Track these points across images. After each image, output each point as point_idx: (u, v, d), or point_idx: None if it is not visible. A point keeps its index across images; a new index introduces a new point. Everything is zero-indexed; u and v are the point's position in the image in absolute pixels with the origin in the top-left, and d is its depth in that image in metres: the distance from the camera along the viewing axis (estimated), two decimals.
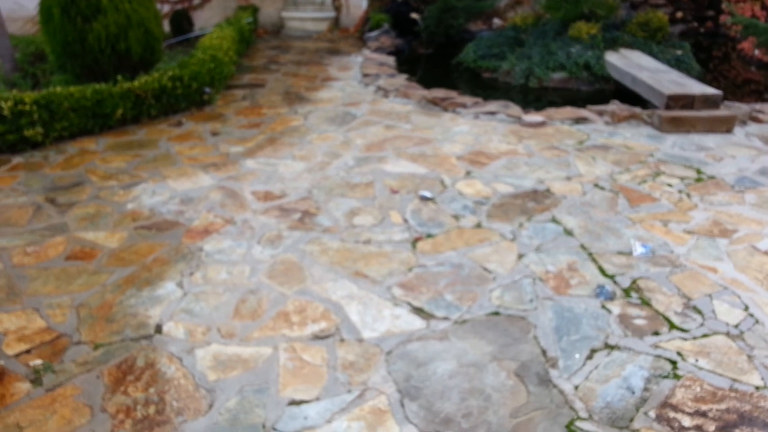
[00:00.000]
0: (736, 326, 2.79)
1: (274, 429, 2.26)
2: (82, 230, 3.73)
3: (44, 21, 5.60)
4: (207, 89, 5.97)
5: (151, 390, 2.47)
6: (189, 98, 5.86)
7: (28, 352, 2.68)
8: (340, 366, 2.57)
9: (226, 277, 3.21)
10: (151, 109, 5.59)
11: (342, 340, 2.73)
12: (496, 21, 9.78)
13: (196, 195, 4.16)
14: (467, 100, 6.12)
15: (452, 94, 6.31)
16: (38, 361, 2.62)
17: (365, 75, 7.23)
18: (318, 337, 2.74)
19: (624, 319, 2.85)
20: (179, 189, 4.25)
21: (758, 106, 5.84)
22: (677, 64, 7.12)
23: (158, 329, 2.82)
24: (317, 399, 2.39)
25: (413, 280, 3.19)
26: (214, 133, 5.34)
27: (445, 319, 2.87)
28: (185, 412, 2.34)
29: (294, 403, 2.38)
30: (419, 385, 2.45)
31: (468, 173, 4.50)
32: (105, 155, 4.90)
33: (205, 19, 9.65)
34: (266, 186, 4.30)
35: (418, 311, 2.93)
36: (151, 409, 2.36)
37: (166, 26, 9.02)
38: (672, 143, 5.09)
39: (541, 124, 5.50)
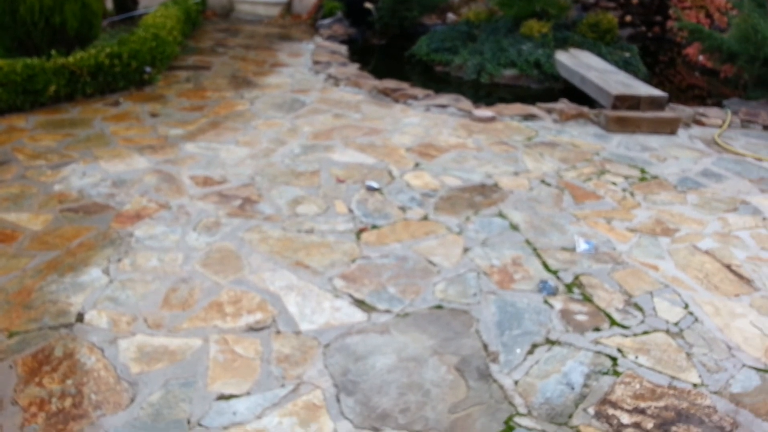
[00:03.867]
0: (676, 324, 2.80)
1: (199, 425, 2.12)
2: (4, 211, 3.48)
3: None
4: (148, 69, 5.70)
5: (69, 382, 2.29)
6: (128, 77, 5.58)
7: None
8: (275, 359, 2.44)
9: (156, 264, 3.03)
10: (87, 86, 5.30)
11: (278, 332, 2.60)
12: (450, 15, 9.74)
13: (129, 178, 3.94)
14: (419, 92, 6.04)
15: (404, 85, 6.22)
16: None
17: (316, 62, 7.07)
18: (252, 329, 2.61)
19: (566, 315, 2.82)
20: (111, 171, 4.03)
21: (701, 109, 5.97)
22: (625, 66, 7.22)
23: (80, 318, 2.64)
24: (248, 393, 2.26)
25: (356, 271, 3.08)
26: (153, 115, 5.10)
27: (387, 312, 2.78)
28: (104, 406, 2.18)
29: (223, 397, 2.24)
30: (357, 380, 2.35)
31: (417, 165, 4.42)
32: (34, 133, 4.61)
33: None
34: (206, 171, 4.12)
35: (360, 303, 2.83)
36: (67, 402, 2.19)
37: (110, 3, 8.65)
38: (617, 143, 5.13)
39: (491, 120, 5.48)
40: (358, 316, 2.74)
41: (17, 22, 5.19)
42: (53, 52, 5.20)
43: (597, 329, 2.73)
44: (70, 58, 5.16)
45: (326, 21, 9.04)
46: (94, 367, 2.37)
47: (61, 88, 5.15)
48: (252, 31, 8.80)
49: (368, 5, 9.01)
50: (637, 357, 2.56)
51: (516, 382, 2.39)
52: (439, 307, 2.83)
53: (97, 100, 5.40)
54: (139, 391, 2.26)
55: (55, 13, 5.27)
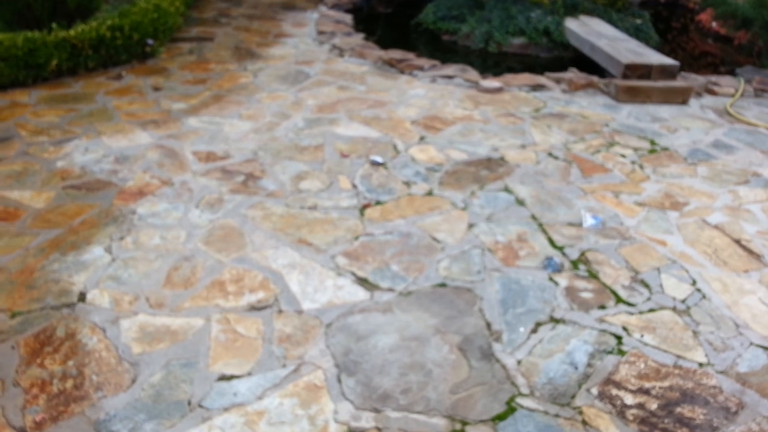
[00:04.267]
0: (683, 301, 2.76)
1: (200, 406, 2.12)
2: (7, 189, 3.47)
3: None
4: (150, 41, 5.62)
5: (70, 363, 2.30)
6: (130, 50, 5.51)
7: None
8: (276, 339, 2.43)
9: (159, 242, 3.02)
10: (89, 60, 5.23)
11: (280, 311, 2.59)
12: None
13: (132, 153, 3.91)
14: (424, 62, 5.94)
15: (410, 55, 6.11)
16: None
17: (320, 32, 6.95)
18: (254, 308, 2.60)
19: (570, 292, 2.78)
20: (114, 147, 3.99)
21: (714, 78, 5.83)
22: (636, 34, 7.06)
23: (82, 297, 2.63)
24: (249, 374, 2.26)
25: (359, 249, 3.05)
26: (156, 88, 5.05)
27: (390, 290, 2.76)
28: (105, 387, 2.18)
29: (224, 378, 2.24)
30: (358, 360, 2.34)
31: (422, 138, 4.35)
32: (37, 108, 4.57)
33: None
34: (209, 146, 4.08)
35: (363, 282, 2.81)
36: (69, 384, 2.20)
37: None
38: (627, 113, 5.03)
39: (498, 90, 5.38)
40: (360, 294, 2.72)
41: None
42: (54, 25, 5.13)
43: (602, 307, 2.70)
44: (71, 32, 5.09)
45: None
46: (96, 347, 2.37)
47: (63, 62, 5.09)
48: (255, 1, 8.64)
49: None
50: (642, 335, 2.53)
51: (519, 362, 2.37)
52: (443, 285, 2.81)
53: (100, 73, 5.34)
54: (140, 371, 2.26)
55: None
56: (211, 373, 2.26)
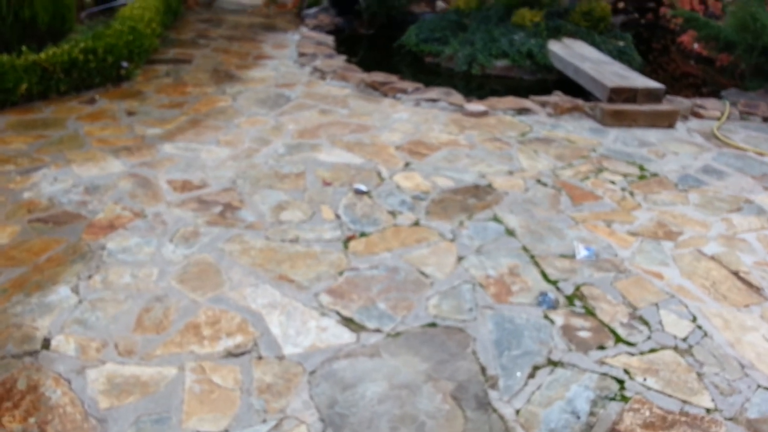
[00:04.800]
0: (684, 339, 2.63)
1: None
2: None
3: None
4: (124, 63, 5.45)
5: (32, 420, 2.10)
6: (104, 73, 5.32)
7: None
8: (256, 390, 2.26)
9: (129, 281, 2.83)
10: (61, 84, 5.04)
11: (260, 357, 2.41)
12: (440, 3, 9.49)
13: (103, 183, 3.72)
14: (408, 85, 5.83)
15: (393, 78, 5.99)
16: None
17: (302, 54, 6.83)
18: (232, 355, 2.42)
19: (567, 331, 2.65)
20: (84, 176, 3.80)
21: (699, 101, 5.79)
22: (619, 56, 7.03)
23: (46, 344, 2.44)
24: (226, 431, 2.08)
25: (343, 285, 2.89)
26: (130, 113, 4.86)
27: (377, 331, 2.60)
28: None
29: None
30: (345, 412, 2.17)
31: (407, 165, 4.22)
32: (4, 135, 4.36)
33: None
34: (185, 174, 3.90)
35: (348, 322, 2.64)
36: None
37: None
38: (614, 138, 4.95)
39: (484, 114, 5.28)
40: (346, 336, 2.55)
41: None
42: (24, 48, 4.93)
43: (601, 347, 2.56)
44: (42, 55, 4.89)
45: (312, 10, 8.78)
46: (60, 402, 2.17)
47: (33, 86, 4.89)
48: (236, 22, 8.52)
49: None
50: (645, 379, 2.40)
51: (517, 411, 2.21)
52: (433, 324, 2.65)
53: (72, 97, 5.14)
54: (108, 429, 2.07)
55: (24, 7, 5.00)
56: (185, 429, 2.08)
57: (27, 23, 5.09)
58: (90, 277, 2.85)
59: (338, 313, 2.69)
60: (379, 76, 5.99)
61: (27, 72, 4.82)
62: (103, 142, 4.31)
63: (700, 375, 2.43)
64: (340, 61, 6.65)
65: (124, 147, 4.24)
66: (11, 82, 4.73)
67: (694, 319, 2.77)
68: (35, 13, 5.08)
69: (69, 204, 3.47)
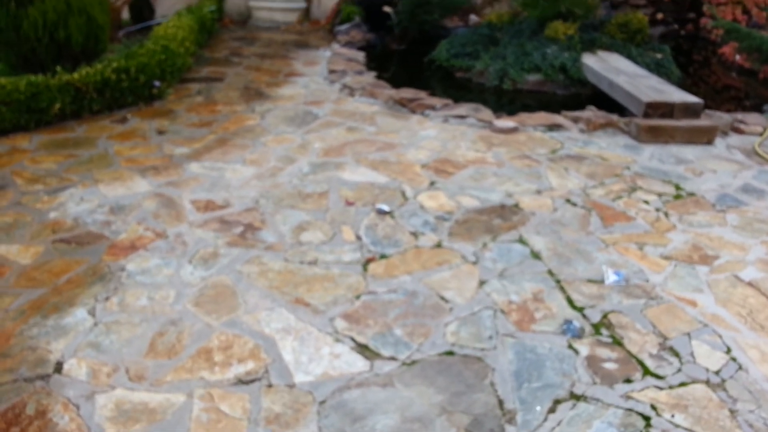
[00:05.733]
0: (717, 373, 2.48)
1: None
2: None
3: None
4: (156, 83, 5.52)
5: None
6: (136, 92, 5.41)
7: None
8: (263, 419, 2.20)
9: (145, 303, 2.82)
10: (93, 103, 5.13)
11: (270, 385, 2.36)
12: (473, 17, 9.42)
13: (128, 203, 3.74)
14: (436, 101, 5.76)
15: (421, 94, 5.94)
16: None
17: (332, 71, 6.83)
18: (242, 382, 2.37)
19: (593, 363, 2.52)
20: (110, 195, 3.84)
21: (740, 116, 5.57)
22: (657, 69, 6.83)
23: (58, 368, 2.44)
24: None
25: (360, 309, 2.83)
26: (160, 132, 4.91)
27: (392, 359, 2.52)
28: None
29: None
30: None
31: (432, 184, 4.15)
32: (36, 155, 4.45)
33: (168, 6, 9.13)
34: (209, 194, 3.90)
35: (362, 348, 2.57)
36: None
37: (126, 14, 8.53)
38: (650, 155, 4.79)
39: (513, 130, 5.17)
40: (359, 364, 2.49)
41: (21, 38, 5.06)
42: (58, 68, 5.05)
43: (628, 380, 2.43)
44: (75, 75, 5.00)
45: (344, 27, 8.79)
46: (67, 428, 2.16)
47: (67, 106, 4.99)
48: (269, 39, 8.60)
49: (387, 9, 8.75)
50: (673, 415, 2.26)
51: None
52: (450, 353, 2.56)
53: (105, 116, 5.23)
54: None
55: (59, 28, 5.12)
56: None
57: (62, 44, 5.21)
58: (107, 299, 2.85)
59: (353, 339, 2.63)
60: (407, 93, 5.94)
61: (60, 92, 4.92)
62: (131, 161, 4.36)
63: (733, 412, 2.28)
64: (369, 77, 6.63)
65: (152, 166, 4.28)
66: (45, 102, 4.84)
67: (729, 351, 2.61)
68: (70, 34, 5.20)
69: (93, 224, 3.50)
